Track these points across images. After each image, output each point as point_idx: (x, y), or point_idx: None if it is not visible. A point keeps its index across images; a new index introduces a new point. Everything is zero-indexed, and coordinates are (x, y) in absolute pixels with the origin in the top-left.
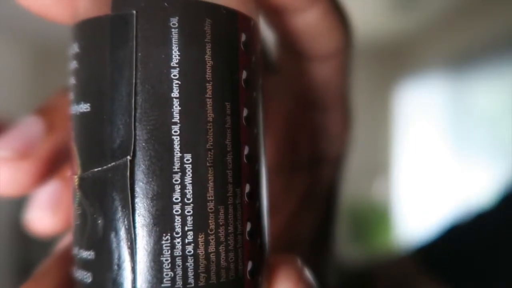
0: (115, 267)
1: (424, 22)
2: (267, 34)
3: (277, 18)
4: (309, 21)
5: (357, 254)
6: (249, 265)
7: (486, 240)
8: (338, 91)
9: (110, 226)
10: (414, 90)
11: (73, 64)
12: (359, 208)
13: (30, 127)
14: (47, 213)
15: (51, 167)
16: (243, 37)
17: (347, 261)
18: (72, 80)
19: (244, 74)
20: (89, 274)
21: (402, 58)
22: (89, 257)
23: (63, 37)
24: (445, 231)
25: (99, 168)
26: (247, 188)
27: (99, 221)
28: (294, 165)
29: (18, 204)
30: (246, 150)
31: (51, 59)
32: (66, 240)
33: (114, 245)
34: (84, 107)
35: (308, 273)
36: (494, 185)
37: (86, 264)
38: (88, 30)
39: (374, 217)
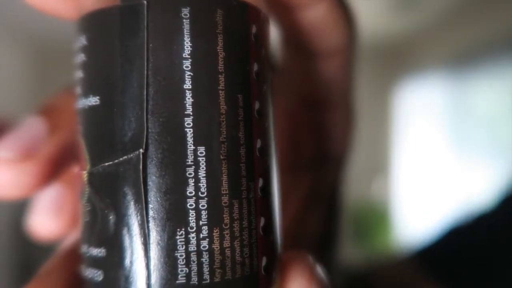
0: (128, 263)
1: (424, 22)
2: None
3: (284, 13)
4: (315, 16)
5: (356, 254)
6: (264, 260)
7: (486, 242)
8: (342, 88)
9: (122, 222)
10: (414, 90)
11: (80, 57)
12: (358, 208)
13: (33, 128)
14: (49, 217)
15: (54, 169)
16: (254, 29)
17: (347, 262)
18: (80, 74)
19: (255, 67)
20: (100, 272)
21: (402, 58)
22: (100, 254)
23: (63, 37)
24: (445, 233)
25: (110, 163)
26: (260, 182)
27: (110, 217)
28: (298, 165)
29: (20, 205)
30: (258, 144)
31: (51, 59)
32: (71, 238)
33: (127, 241)
34: (93, 100)
35: (320, 270)
36: (494, 185)
37: (96, 262)
38: (96, 22)
39: (374, 217)
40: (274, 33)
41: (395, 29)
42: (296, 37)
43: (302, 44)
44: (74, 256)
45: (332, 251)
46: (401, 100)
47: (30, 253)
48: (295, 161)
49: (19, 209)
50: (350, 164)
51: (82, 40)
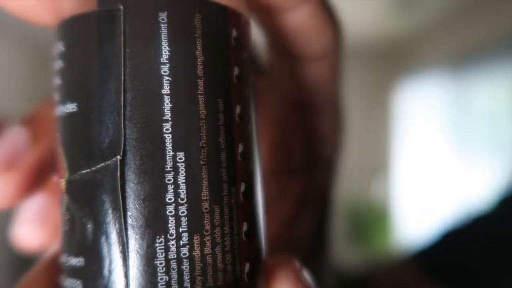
0: (107, 273)
1: (424, 22)
2: (256, 36)
3: (267, 17)
4: (298, 20)
5: (355, 255)
6: (247, 266)
7: (486, 242)
8: (329, 92)
9: (100, 230)
10: (414, 90)
11: (58, 64)
12: (358, 209)
13: (15, 138)
14: (34, 227)
15: (37, 179)
16: (234, 33)
17: (346, 264)
18: (58, 80)
19: (236, 70)
20: (78, 282)
21: (402, 58)
22: (79, 264)
23: None
24: (445, 234)
25: (88, 170)
26: (243, 187)
27: (89, 226)
28: (288, 169)
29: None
30: (240, 148)
31: (51, 60)
32: (54, 248)
33: (105, 249)
34: (71, 107)
35: (306, 274)
36: (494, 186)
37: (75, 272)
38: (74, 28)
39: (373, 218)
40: (259, 36)
41: (395, 29)
42: (280, 41)
43: (286, 48)
44: (56, 266)
45: (324, 253)
46: (401, 100)
47: (25, 257)
48: (285, 165)
49: (9, 215)
50: (349, 164)
51: (60, 46)
